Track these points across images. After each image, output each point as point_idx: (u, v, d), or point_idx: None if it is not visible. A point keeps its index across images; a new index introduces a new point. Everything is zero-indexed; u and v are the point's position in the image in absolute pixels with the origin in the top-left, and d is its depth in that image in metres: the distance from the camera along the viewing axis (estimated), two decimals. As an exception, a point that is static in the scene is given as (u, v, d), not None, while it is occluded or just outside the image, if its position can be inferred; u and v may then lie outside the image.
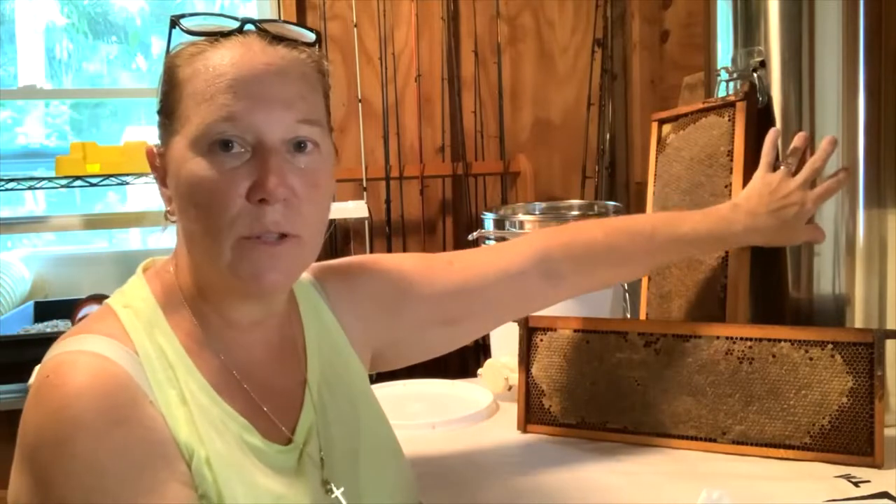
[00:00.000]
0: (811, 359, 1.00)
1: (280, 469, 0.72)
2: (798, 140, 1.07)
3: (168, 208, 0.74)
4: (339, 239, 2.58)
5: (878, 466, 0.96)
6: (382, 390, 1.32)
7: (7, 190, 2.10)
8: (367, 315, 0.91)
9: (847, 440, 0.98)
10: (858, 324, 1.11)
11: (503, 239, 1.38)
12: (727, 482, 0.93)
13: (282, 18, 2.45)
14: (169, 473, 0.64)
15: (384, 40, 2.54)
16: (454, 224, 2.67)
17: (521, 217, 1.40)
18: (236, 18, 0.73)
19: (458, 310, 0.97)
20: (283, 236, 0.70)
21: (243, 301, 0.75)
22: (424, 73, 2.60)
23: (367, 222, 2.48)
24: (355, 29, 2.52)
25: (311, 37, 0.76)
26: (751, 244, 1.08)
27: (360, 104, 2.52)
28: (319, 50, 0.77)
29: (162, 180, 0.74)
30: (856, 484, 0.92)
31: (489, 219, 1.41)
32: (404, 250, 2.61)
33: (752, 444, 1.02)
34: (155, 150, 0.75)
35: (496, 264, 0.98)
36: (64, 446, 0.61)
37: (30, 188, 2.15)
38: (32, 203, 2.61)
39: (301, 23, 2.47)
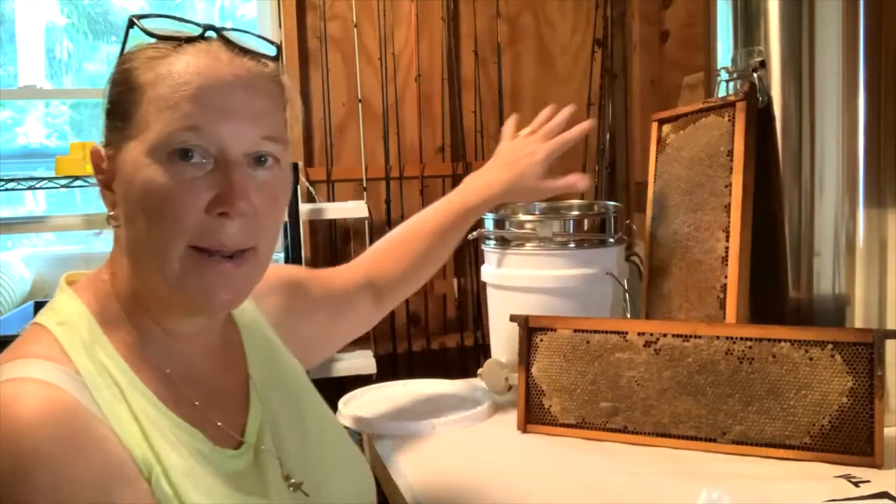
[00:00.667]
0: (811, 359, 1.00)
1: (235, 473, 0.72)
2: (544, 113, 1.22)
3: (112, 213, 0.72)
4: (339, 239, 2.58)
5: (878, 466, 0.96)
6: (382, 390, 1.32)
7: (7, 190, 2.10)
8: (281, 323, 0.93)
9: (847, 440, 0.98)
10: (858, 324, 1.11)
11: (504, 239, 1.38)
12: (727, 482, 0.93)
13: (288, 26, 2.46)
14: (131, 494, 0.63)
15: (384, 40, 2.54)
16: (454, 224, 2.67)
17: (521, 217, 1.40)
18: (198, 24, 0.71)
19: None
20: (238, 252, 0.69)
21: (188, 315, 0.74)
22: (424, 73, 2.61)
23: (367, 222, 2.48)
24: (355, 29, 2.52)
25: (273, 50, 0.75)
26: (499, 200, 1.19)
27: (360, 104, 2.52)
28: (279, 63, 0.76)
29: (107, 184, 0.72)
30: (856, 484, 0.92)
31: (489, 219, 1.41)
32: (404, 250, 2.61)
33: (752, 444, 1.02)
34: (102, 152, 0.72)
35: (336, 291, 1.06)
36: (23, 482, 0.58)
37: (30, 188, 2.15)
38: (32, 203, 2.61)
39: (303, 25, 2.48)
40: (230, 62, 0.70)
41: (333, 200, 2.51)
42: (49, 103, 2.68)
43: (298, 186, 2.14)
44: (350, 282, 1.08)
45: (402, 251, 1.15)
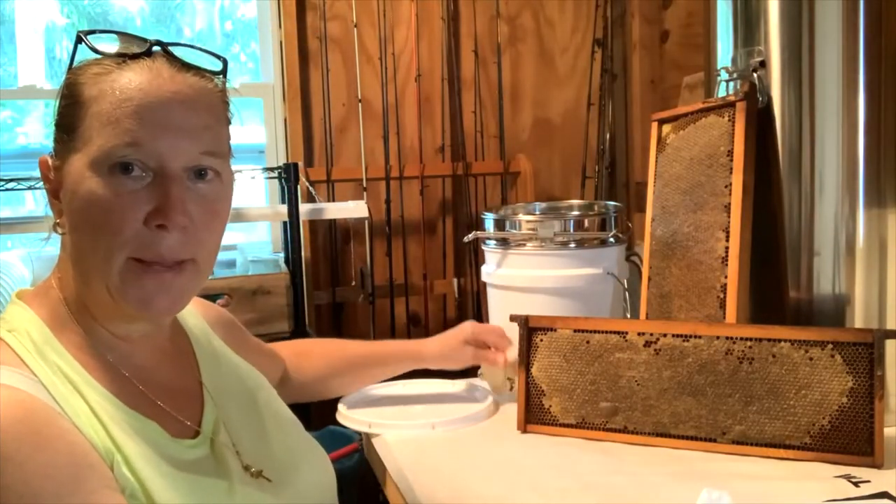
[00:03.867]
0: (811, 359, 1.00)
1: (196, 461, 0.74)
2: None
3: (58, 220, 0.75)
4: (340, 239, 2.58)
5: (878, 466, 0.96)
6: (382, 390, 1.32)
7: (7, 190, 2.10)
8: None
9: (847, 440, 0.98)
10: (858, 324, 1.11)
11: (504, 240, 1.38)
12: (727, 482, 0.93)
13: (288, 26, 2.46)
14: (98, 481, 0.64)
15: (384, 40, 2.54)
16: (454, 224, 2.67)
17: (521, 217, 1.40)
18: (145, 40, 0.73)
19: None
20: (177, 263, 0.71)
21: (130, 321, 0.76)
22: (424, 73, 2.60)
23: (367, 222, 2.48)
24: (355, 29, 2.52)
25: (219, 65, 0.77)
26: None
27: (360, 104, 2.52)
28: (225, 78, 0.78)
29: (54, 193, 0.75)
30: (856, 484, 0.92)
31: (489, 219, 1.41)
32: (404, 250, 2.61)
33: (752, 444, 1.02)
34: (50, 162, 0.75)
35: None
36: None
37: (30, 188, 2.15)
38: (32, 203, 2.61)
39: (303, 25, 2.48)
40: (171, 78, 0.72)
41: (333, 200, 2.51)
42: (49, 103, 2.67)
43: (298, 186, 2.14)
44: (273, 352, 1.14)
45: (324, 357, 1.21)
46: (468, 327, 1.24)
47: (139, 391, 0.74)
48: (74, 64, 0.74)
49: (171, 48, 0.74)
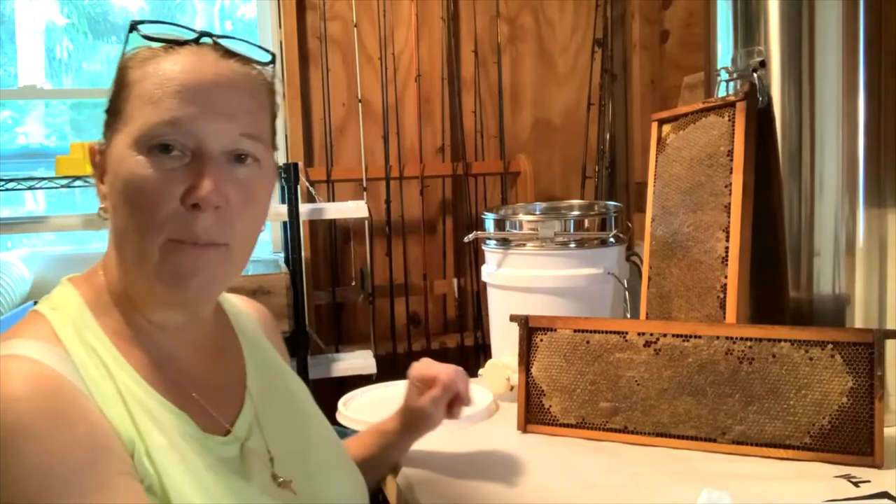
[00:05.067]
0: (811, 359, 1.00)
1: (222, 460, 0.73)
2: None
3: (103, 205, 0.75)
4: (340, 239, 2.58)
5: (878, 466, 0.96)
6: (383, 390, 1.32)
7: (7, 190, 2.10)
8: None
9: (847, 440, 0.98)
10: (858, 324, 1.11)
11: (504, 240, 1.38)
12: (727, 482, 0.93)
13: (288, 26, 2.46)
14: (117, 466, 0.64)
15: (384, 40, 2.54)
16: (454, 224, 2.67)
17: (521, 217, 1.40)
18: (194, 30, 0.73)
19: None
20: (210, 245, 0.71)
21: (167, 308, 0.75)
22: (424, 73, 2.60)
23: (367, 222, 2.48)
24: (355, 29, 2.52)
25: (267, 57, 0.77)
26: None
27: (360, 104, 2.52)
28: (273, 71, 0.78)
29: (100, 177, 0.75)
30: (856, 484, 0.92)
31: (489, 219, 1.41)
32: (404, 250, 2.61)
33: (752, 444, 1.02)
34: (97, 147, 0.76)
35: None
36: (7, 451, 0.60)
37: (30, 188, 2.15)
38: (32, 203, 2.61)
39: (303, 25, 2.48)
40: (215, 62, 0.72)
41: (333, 200, 2.51)
42: (49, 103, 2.67)
43: (298, 186, 2.14)
44: None
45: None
46: (409, 374, 1.07)
47: (173, 380, 0.74)
48: (126, 52, 0.74)
49: (220, 39, 0.74)
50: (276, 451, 0.79)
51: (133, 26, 0.74)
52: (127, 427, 0.67)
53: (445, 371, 1.03)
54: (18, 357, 0.65)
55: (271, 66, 0.77)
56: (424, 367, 1.06)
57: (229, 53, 0.73)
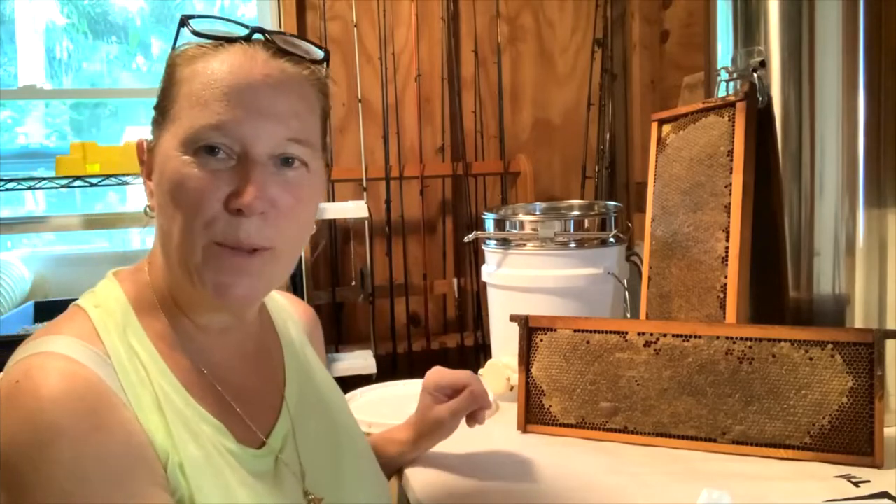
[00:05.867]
0: (811, 359, 1.00)
1: (255, 474, 0.71)
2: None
3: (149, 203, 0.74)
4: (340, 239, 2.58)
5: (878, 466, 0.96)
6: (383, 390, 1.32)
7: (7, 190, 2.10)
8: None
9: (847, 440, 0.98)
10: (858, 324, 1.11)
11: (505, 240, 1.38)
12: (727, 482, 0.93)
13: (288, 26, 2.46)
14: (149, 477, 0.63)
15: (384, 40, 2.54)
16: (454, 224, 2.68)
17: (521, 217, 1.40)
18: (246, 26, 0.72)
19: None
20: (255, 250, 0.69)
21: (211, 310, 0.74)
22: (424, 73, 2.61)
23: (367, 222, 2.48)
24: (355, 29, 2.52)
25: (319, 54, 0.74)
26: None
27: (360, 104, 2.52)
28: (326, 69, 0.76)
29: (147, 174, 0.74)
30: (856, 484, 0.92)
31: (489, 219, 1.41)
32: (404, 250, 2.61)
33: (752, 444, 1.02)
34: (145, 144, 0.75)
35: None
36: (43, 452, 0.59)
37: (30, 188, 2.15)
38: (32, 203, 2.61)
39: (303, 25, 2.48)
40: (265, 63, 0.70)
41: (333, 200, 2.51)
42: (49, 103, 2.67)
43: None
44: None
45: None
46: (426, 381, 1.05)
47: (213, 388, 0.72)
48: (175, 48, 0.73)
49: (272, 35, 0.72)
50: (308, 464, 0.77)
51: (183, 21, 0.72)
52: (162, 437, 0.66)
53: (468, 380, 1.01)
54: (57, 355, 0.64)
55: (324, 64, 0.75)
56: (440, 375, 1.03)
57: (280, 52, 0.71)
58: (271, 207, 0.69)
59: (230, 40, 0.71)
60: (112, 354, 0.67)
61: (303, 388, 0.83)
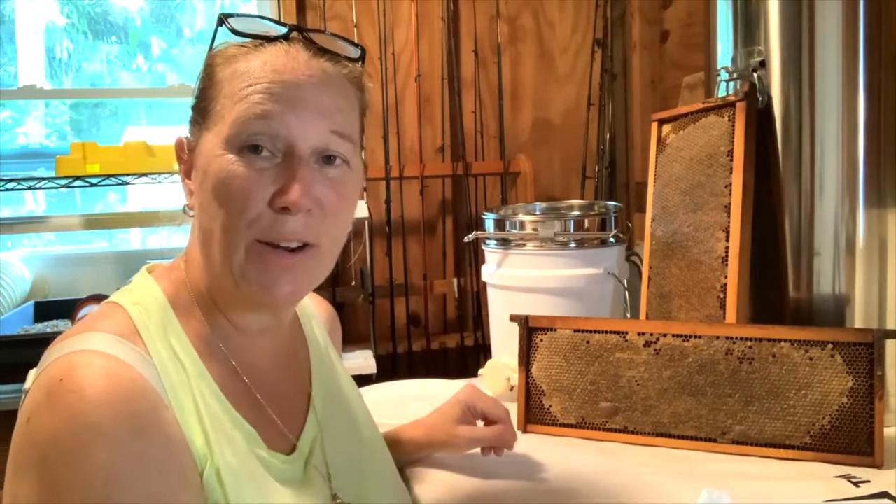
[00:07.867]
0: (811, 359, 1.00)
1: (286, 480, 0.71)
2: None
3: (188, 202, 0.74)
4: (339, 239, 2.58)
5: (878, 466, 0.96)
6: (383, 390, 1.32)
7: (7, 190, 2.10)
8: None
9: (847, 440, 0.98)
10: (858, 324, 1.11)
11: (505, 240, 1.38)
12: (727, 482, 0.93)
13: (279, 17, 2.46)
14: (185, 482, 0.63)
15: (384, 40, 2.54)
16: (454, 224, 2.67)
17: (521, 217, 1.40)
18: (284, 24, 0.72)
19: None
20: (300, 247, 0.69)
21: (252, 309, 0.74)
22: (424, 73, 2.60)
23: (367, 222, 2.48)
24: (355, 29, 2.52)
25: (356, 52, 0.75)
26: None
27: (360, 104, 2.52)
28: (363, 66, 0.76)
29: (186, 173, 0.74)
30: (856, 484, 0.92)
31: (489, 219, 1.41)
32: (404, 250, 2.61)
33: (752, 444, 1.02)
34: (185, 142, 0.74)
35: None
36: (81, 453, 0.58)
37: (30, 188, 2.15)
38: (32, 203, 2.61)
39: (302, 23, 2.48)
40: (307, 63, 0.70)
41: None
42: (49, 103, 2.67)
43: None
44: None
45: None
46: (463, 395, 1.03)
47: (248, 392, 0.72)
48: (213, 47, 0.73)
49: (310, 34, 0.72)
50: (334, 467, 0.77)
51: (222, 20, 0.72)
52: (201, 443, 0.65)
53: (503, 417, 1.00)
54: (101, 354, 0.63)
55: (361, 61, 0.76)
56: (478, 397, 1.01)
57: (320, 51, 0.72)
58: (316, 205, 0.69)
59: (270, 39, 0.71)
60: (153, 354, 0.67)
61: (328, 388, 0.83)
